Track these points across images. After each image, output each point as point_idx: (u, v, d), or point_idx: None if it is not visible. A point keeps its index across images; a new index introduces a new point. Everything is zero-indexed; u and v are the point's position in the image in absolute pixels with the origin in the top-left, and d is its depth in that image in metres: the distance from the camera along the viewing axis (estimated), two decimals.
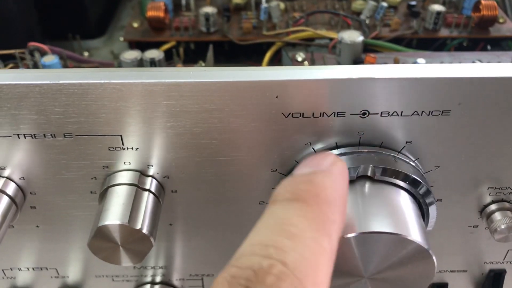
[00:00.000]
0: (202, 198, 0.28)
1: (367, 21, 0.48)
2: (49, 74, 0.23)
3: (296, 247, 0.16)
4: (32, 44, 0.43)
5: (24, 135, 0.25)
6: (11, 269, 0.32)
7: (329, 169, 0.20)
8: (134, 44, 0.48)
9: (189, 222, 0.29)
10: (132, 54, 0.40)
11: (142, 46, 0.46)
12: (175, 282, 0.33)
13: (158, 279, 0.33)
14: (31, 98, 0.23)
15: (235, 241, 0.30)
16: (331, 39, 0.45)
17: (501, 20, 0.48)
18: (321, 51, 0.45)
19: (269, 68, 0.23)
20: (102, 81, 0.23)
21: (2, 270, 0.32)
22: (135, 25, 0.49)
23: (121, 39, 0.52)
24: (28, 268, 0.32)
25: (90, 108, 0.24)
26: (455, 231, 0.30)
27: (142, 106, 0.24)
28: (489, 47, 0.49)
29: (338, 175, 0.20)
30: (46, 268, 0.32)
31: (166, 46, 0.47)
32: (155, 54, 0.40)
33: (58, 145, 0.25)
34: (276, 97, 0.23)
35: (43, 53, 0.42)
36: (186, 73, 0.23)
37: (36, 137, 0.25)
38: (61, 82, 0.23)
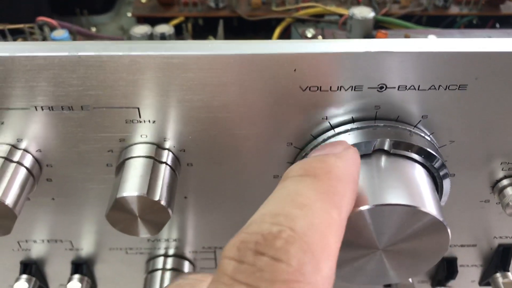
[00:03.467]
0: (217, 172, 0.28)
1: None
2: (68, 46, 0.23)
3: (305, 215, 0.17)
4: (41, 18, 0.43)
5: (41, 107, 0.25)
6: (26, 241, 0.32)
7: (342, 152, 0.20)
8: (142, 20, 0.48)
9: (203, 195, 0.29)
10: (142, 29, 0.40)
11: (150, 21, 0.45)
12: (188, 254, 0.33)
13: (171, 251, 0.33)
14: (49, 70, 0.23)
15: (248, 214, 0.30)
16: (341, 15, 0.45)
17: None
18: (331, 27, 0.45)
19: (287, 41, 0.23)
20: (121, 53, 0.23)
21: (18, 242, 0.32)
22: (143, 0, 0.49)
23: (129, 14, 0.52)
24: (42, 240, 0.32)
25: (108, 81, 0.24)
26: (467, 206, 0.30)
27: (159, 79, 0.24)
28: (498, 25, 0.48)
29: (350, 159, 0.20)
30: (61, 241, 0.32)
31: (174, 22, 0.47)
32: (165, 29, 0.40)
33: (75, 117, 0.25)
34: (294, 70, 0.23)
35: (52, 28, 0.42)
36: (204, 46, 0.23)
37: (54, 109, 0.25)
38: (80, 54, 0.23)
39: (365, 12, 0.41)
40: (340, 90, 0.24)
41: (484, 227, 0.31)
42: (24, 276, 0.33)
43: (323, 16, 0.46)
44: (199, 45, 0.23)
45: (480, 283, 0.35)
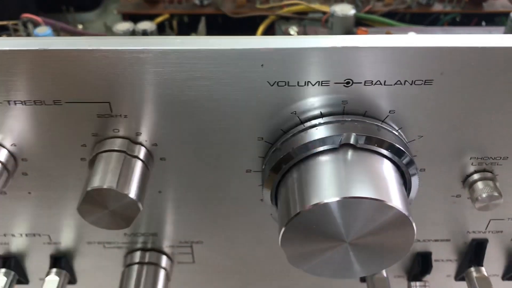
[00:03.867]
0: (190, 166, 0.28)
1: None
2: (39, 41, 0.23)
3: None
4: (26, 15, 0.43)
5: (14, 101, 0.25)
6: (4, 235, 0.33)
7: None
8: (127, 17, 0.48)
9: (177, 189, 0.30)
10: (124, 26, 0.41)
11: (136, 18, 0.46)
12: (165, 249, 0.34)
13: (148, 245, 0.33)
14: (21, 65, 0.24)
15: (222, 209, 0.31)
16: (324, 13, 0.46)
17: None
18: (314, 24, 0.46)
19: (254, 37, 0.24)
20: (91, 48, 0.23)
21: None
22: None
23: (115, 12, 0.52)
24: (21, 234, 0.33)
25: (79, 75, 0.24)
26: (439, 201, 0.30)
27: (130, 74, 0.24)
28: (483, 23, 0.49)
29: None
30: (39, 234, 0.33)
31: (159, 19, 0.47)
32: (147, 25, 0.41)
33: (48, 112, 0.26)
34: (262, 65, 0.24)
35: (36, 25, 0.43)
36: (173, 41, 0.24)
37: (27, 104, 0.25)
38: (50, 48, 0.23)
39: (346, 10, 0.41)
40: (307, 85, 0.24)
41: (457, 222, 0.32)
42: (3, 270, 0.33)
43: (306, 13, 0.47)
44: (167, 40, 0.24)
45: (456, 278, 0.36)
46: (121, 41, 0.24)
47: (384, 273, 0.33)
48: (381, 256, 0.25)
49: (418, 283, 0.35)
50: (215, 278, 0.36)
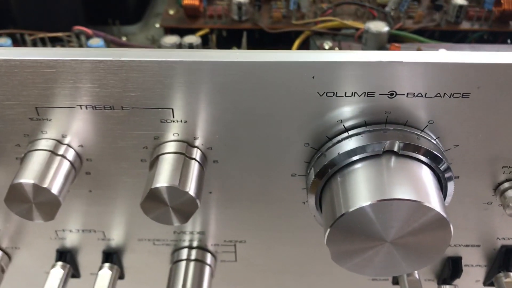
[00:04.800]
0: (240, 169, 0.30)
1: (392, 13, 0.50)
2: (112, 52, 0.26)
3: None
4: (78, 28, 0.46)
5: (86, 106, 0.28)
6: (63, 230, 0.35)
7: None
8: (169, 31, 0.51)
9: (226, 191, 0.32)
10: (171, 39, 0.43)
11: (177, 32, 0.48)
12: (210, 247, 0.36)
13: (194, 244, 0.36)
14: (95, 73, 0.26)
15: (267, 210, 0.33)
16: (357, 29, 0.48)
17: None
18: (347, 40, 0.48)
19: (307, 52, 0.26)
20: (159, 59, 0.26)
21: (55, 231, 0.35)
22: (171, 12, 0.52)
23: (157, 25, 0.55)
24: (78, 230, 0.35)
25: (147, 83, 0.27)
26: (470, 207, 0.32)
27: (191, 83, 0.27)
28: (509, 41, 0.51)
29: None
30: (94, 231, 0.35)
31: (200, 33, 0.50)
32: (193, 39, 0.43)
33: (115, 116, 0.28)
34: (313, 77, 0.26)
35: (88, 37, 0.46)
36: (233, 54, 0.26)
37: (97, 108, 0.28)
38: (123, 59, 0.26)
39: (379, 27, 0.43)
40: (354, 96, 0.27)
41: (488, 228, 0.34)
42: (60, 263, 0.36)
43: (340, 29, 0.49)
44: (227, 54, 0.26)
45: (485, 283, 0.37)
46: (185, 53, 0.26)
47: (416, 275, 0.35)
48: (420, 255, 0.27)
49: (447, 287, 0.37)
50: (255, 277, 0.38)
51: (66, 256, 0.36)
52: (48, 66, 0.26)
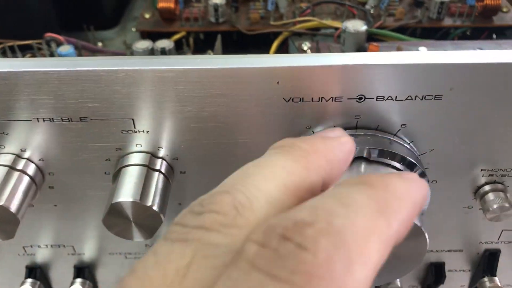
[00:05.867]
0: (209, 179, 0.29)
1: (372, 11, 0.49)
2: (66, 62, 0.25)
3: (347, 214, 0.14)
4: (49, 35, 0.45)
5: (43, 119, 0.27)
6: (31, 246, 0.34)
7: (407, 176, 0.18)
8: (146, 34, 0.50)
9: None
10: (143, 44, 0.42)
11: (154, 36, 0.47)
12: None
13: None
14: (49, 84, 0.25)
15: None
16: (336, 28, 0.47)
17: (504, 9, 0.49)
18: (327, 40, 0.47)
19: (270, 56, 0.25)
20: (116, 68, 0.24)
21: (23, 247, 0.34)
22: (147, 16, 0.51)
23: (133, 29, 0.54)
24: (46, 245, 0.34)
25: (104, 93, 0.25)
26: (451, 212, 0.31)
27: (152, 92, 0.25)
28: (494, 35, 0.49)
29: (415, 186, 0.17)
30: (64, 245, 0.34)
31: (176, 36, 0.49)
32: (165, 44, 0.42)
33: (74, 128, 0.27)
34: (278, 82, 0.25)
35: (59, 44, 0.44)
36: (193, 61, 0.25)
37: (54, 120, 0.27)
38: (77, 69, 0.24)
39: (357, 25, 0.42)
40: (321, 101, 0.25)
41: (470, 233, 0.32)
42: (29, 280, 0.35)
43: (319, 29, 0.48)
44: (188, 60, 0.25)
45: None
46: (144, 61, 0.25)
47: (398, 283, 0.34)
48: (395, 266, 0.26)
49: None
50: None
51: (36, 272, 0.35)
52: (1, 78, 0.25)
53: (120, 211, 0.26)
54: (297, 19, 0.48)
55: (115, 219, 0.26)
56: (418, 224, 0.25)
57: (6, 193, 0.26)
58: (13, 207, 0.26)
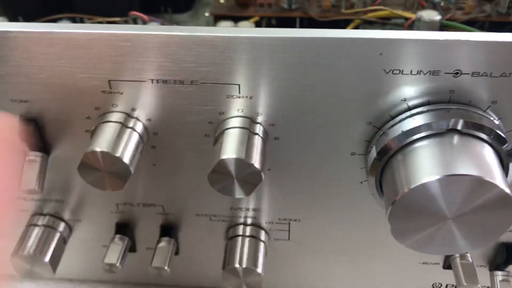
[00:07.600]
0: (300, 147, 0.31)
1: (442, 4, 0.50)
2: (186, 28, 0.27)
3: None
4: (134, 13, 0.48)
5: (157, 80, 0.29)
6: (124, 203, 0.36)
7: None
8: (219, 19, 0.52)
9: (285, 168, 0.33)
10: (226, 24, 0.44)
11: (227, 20, 0.49)
12: (264, 224, 0.37)
13: (249, 221, 0.37)
14: (169, 48, 0.27)
15: (324, 189, 0.33)
16: (406, 18, 0.48)
17: None
18: (396, 29, 0.48)
19: (375, 30, 0.27)
20: (231, 35, 0.27)
21: (116, 204, 0.37)
22: (221, 0, 0.53)
23: (206, 14, 0.56)
24: (138, 204, 0.36)
25: (218, 59, 0.28)
26: None
27: (261, 59, 0.27)
28: None
29: None
30: (154, 205, 0.36)
31: (250, 21, 0.51)
32: (247, 25, 0.44)
33: (184, 91, 0.29)
34: (380, 54, 0.26)
35: (144, 22, 0.47)
36: (300, 31, 0.27)
37: (167, 83, 0.29)
38: (197, 34, 0.27)
39: (432, 15, 0.44)
40: (420, 74, 0.27)
41: None
42: (119, 236, 0.37)
43: (389, 19, 0.49)
44: (294, 30, 0.27)
45: None
46: (256, 30, 0.27)
47: (469, 258, 0.35)
48: (481, 234, 0.28)
49: (500, 273, 0.37)
50: (306, 257, 0.38)
51: (126, 229, 0.38)
52: (124, 39, 0.27)
53: (225, 168, 0.28)
54: (368, 8, 0.50)
55: (219, 175, 0.28)
56: (508, 192, 0.26)
57: (120, 146, 0.29)
58: (126, 159, 0.29)
